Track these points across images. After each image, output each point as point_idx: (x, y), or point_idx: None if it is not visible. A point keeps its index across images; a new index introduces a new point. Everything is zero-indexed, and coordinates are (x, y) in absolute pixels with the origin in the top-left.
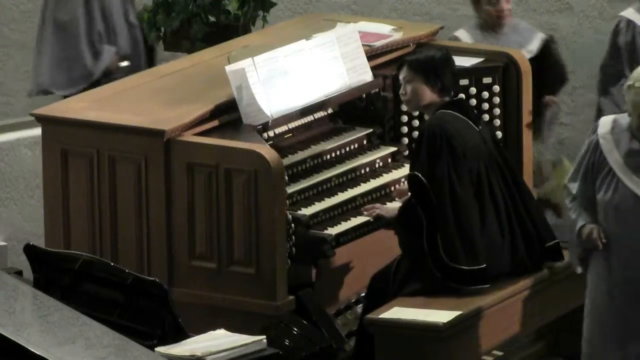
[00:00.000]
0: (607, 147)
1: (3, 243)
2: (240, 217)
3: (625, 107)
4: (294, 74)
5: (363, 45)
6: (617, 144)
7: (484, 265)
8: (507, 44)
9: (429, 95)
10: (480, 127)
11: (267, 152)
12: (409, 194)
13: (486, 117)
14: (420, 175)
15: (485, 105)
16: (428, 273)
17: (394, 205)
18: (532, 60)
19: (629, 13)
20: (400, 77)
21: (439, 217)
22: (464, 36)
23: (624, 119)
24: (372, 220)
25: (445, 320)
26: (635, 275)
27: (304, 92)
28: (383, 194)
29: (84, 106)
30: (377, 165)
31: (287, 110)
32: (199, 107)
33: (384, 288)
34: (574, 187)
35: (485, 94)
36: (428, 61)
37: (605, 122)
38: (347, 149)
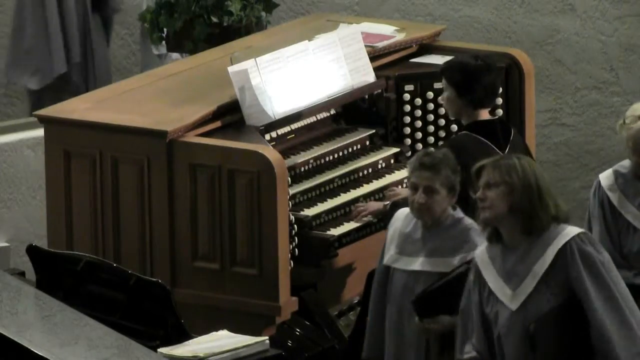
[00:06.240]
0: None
1: (6, 244)
2: (243, 218)
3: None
4: (296, 75)
5: (366, 46)
6: (626, 196)
7: None
8: None
9: (459, 105)
10: (507, 150)
11: (270, 153)
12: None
13: None
14: None
15: None
16: None
17: (378, 204)
18: None
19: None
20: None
21: None
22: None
23: (623, 167)
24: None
25: None
26: None
27: (306, 93)
28: (385, 195)
29: (86, 107)
30: (379, 167)
31: (289, 111)
32: (202, 108)
33: None
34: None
35: None
36: (460, 70)
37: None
38: (350, 150)
